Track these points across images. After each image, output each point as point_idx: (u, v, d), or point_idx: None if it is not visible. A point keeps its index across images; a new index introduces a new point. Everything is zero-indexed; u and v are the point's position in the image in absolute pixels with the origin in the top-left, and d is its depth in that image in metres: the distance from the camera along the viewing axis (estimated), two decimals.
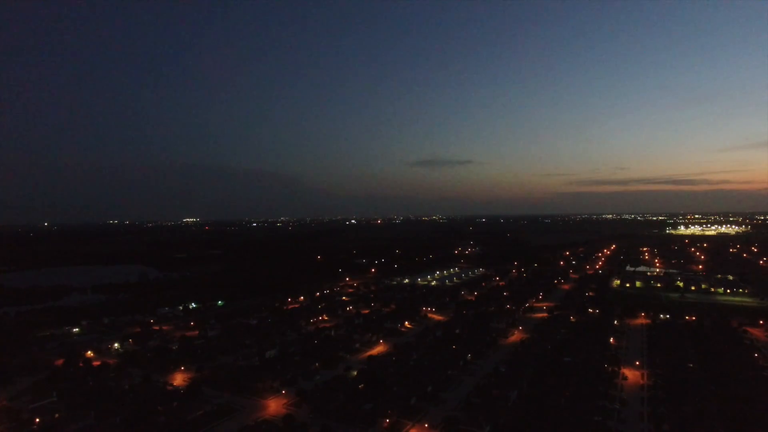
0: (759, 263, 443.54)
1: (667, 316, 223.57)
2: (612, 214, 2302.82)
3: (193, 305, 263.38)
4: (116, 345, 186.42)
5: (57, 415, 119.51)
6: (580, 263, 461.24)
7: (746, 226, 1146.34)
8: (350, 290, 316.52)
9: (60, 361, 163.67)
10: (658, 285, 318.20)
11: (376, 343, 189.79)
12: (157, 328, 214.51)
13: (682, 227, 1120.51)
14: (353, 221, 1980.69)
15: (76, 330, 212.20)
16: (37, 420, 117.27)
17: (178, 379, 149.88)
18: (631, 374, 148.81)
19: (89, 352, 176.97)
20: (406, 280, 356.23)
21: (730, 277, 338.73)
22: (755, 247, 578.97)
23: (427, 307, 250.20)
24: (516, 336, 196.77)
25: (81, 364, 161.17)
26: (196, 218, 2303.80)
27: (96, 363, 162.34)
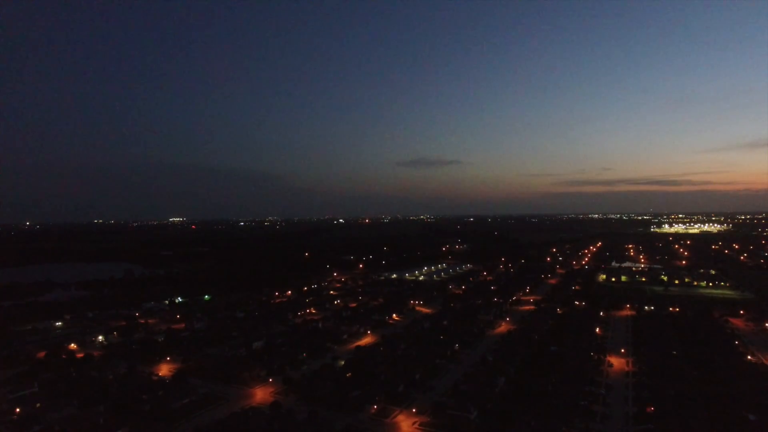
0: (740, 259, 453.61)
1: (652, 307, 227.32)
2: (598, 214, 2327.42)
3: (180, 300, 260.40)
4: (100, 338, 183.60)
5: (38, 405, 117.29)
6: (566, 259, 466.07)
7: (728, 225, 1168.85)
8: (338, 285, 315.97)
9: (42, 354, 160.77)
10: (643, 279, 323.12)
11: (364, 334, 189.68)
12: (142, 321, 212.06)
13: (666, 226, 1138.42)
14: (341, 221, 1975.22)
15: (59, 324, 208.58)
16: (18, 410, 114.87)
17: (164, 370, 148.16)
18: (617, 361, 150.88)
19: (72, 345, 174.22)
20: (394, 276, 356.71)
21: (713, 272, 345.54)
22: (736, 245, 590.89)
23: (414, 301, 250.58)
24: (503, 327, 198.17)
25: (64, 356, 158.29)
26: (182, 218, 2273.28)
27: (79, 355, 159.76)
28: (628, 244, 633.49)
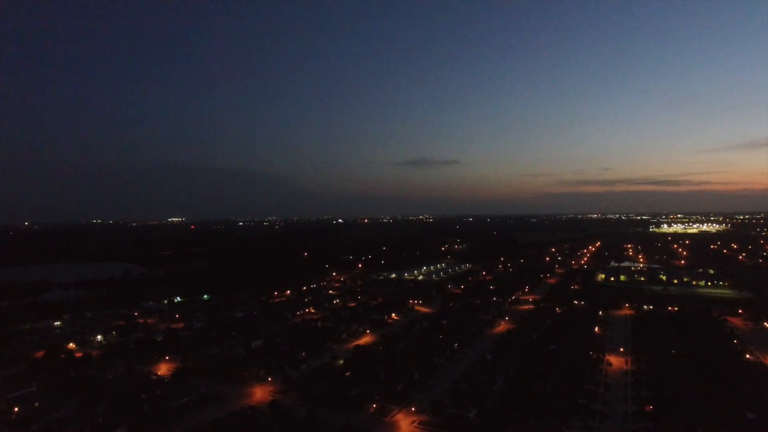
0: (738, 258, 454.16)
1: (651, 307, 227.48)
2: (597, 214, 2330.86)
3: (179, 299, 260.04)
4: (99, 337, 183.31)
5: (37, 404, 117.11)
6: (565, 259, 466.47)
7: (727, 225, 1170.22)
8: (337, 284, 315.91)
9: (40, 353, 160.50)
10: (642, 279, 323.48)
11: (363, 333, 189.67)
12: (141, 321, 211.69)
13: (665, 226, 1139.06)
14: (340, 221, 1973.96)
15: (57, 323, 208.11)
16: (16, 409, 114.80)
17: (163, 369, 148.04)
18: (616, 360, 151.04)
19: (71, 344, 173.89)
20: (393, 275, 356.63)
21: (711, 271, 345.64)
22: (735, 244, 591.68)
23: (414, 300, 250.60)
24: (502, 326, 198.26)
25: (62, 356, 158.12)
26: (181, 218, 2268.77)
27: (78, 354, 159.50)
28: (627, 244, 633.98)
